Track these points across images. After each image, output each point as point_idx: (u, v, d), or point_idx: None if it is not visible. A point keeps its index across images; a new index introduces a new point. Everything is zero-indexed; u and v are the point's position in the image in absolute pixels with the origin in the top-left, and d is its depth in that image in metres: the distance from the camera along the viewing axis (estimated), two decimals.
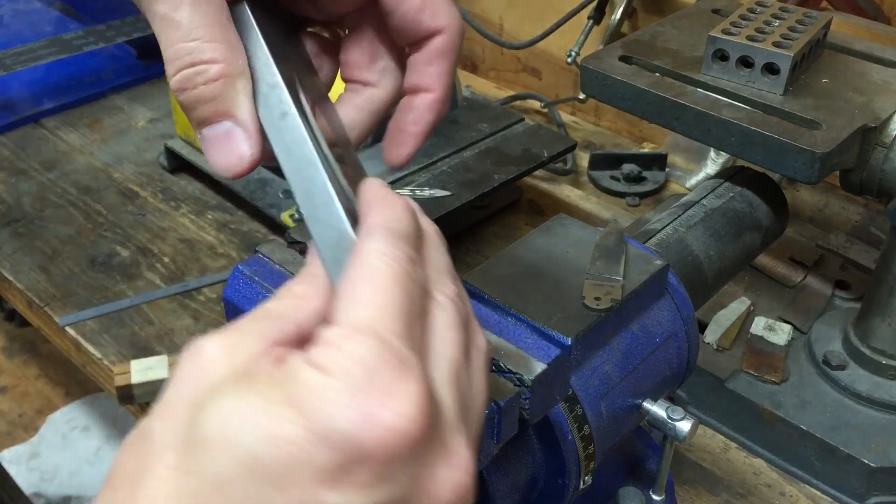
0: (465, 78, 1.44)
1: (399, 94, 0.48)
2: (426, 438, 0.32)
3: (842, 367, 0.82)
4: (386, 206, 0.37)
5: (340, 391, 0.31)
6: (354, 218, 0.38)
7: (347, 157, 0.43)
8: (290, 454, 0.30)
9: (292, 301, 0.37)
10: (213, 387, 0.33)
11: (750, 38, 0.74)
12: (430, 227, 0.40)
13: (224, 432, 0.31)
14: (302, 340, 0.35)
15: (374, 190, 0.39)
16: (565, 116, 1.34)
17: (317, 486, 0.30)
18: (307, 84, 0.43)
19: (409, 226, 0.37)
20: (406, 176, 0.94)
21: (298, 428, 0.30)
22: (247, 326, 0.35)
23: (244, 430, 0.31)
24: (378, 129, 1.07)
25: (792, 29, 0.76)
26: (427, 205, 0.89)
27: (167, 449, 0.32)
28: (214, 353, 0.34)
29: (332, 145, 0.41)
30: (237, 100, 0.40)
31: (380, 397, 0.31)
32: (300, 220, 1.00)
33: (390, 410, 0.31)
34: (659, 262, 0.61)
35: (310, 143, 0.39)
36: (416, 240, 0.38)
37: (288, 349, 0.35)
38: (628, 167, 1.17)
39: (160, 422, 0.33)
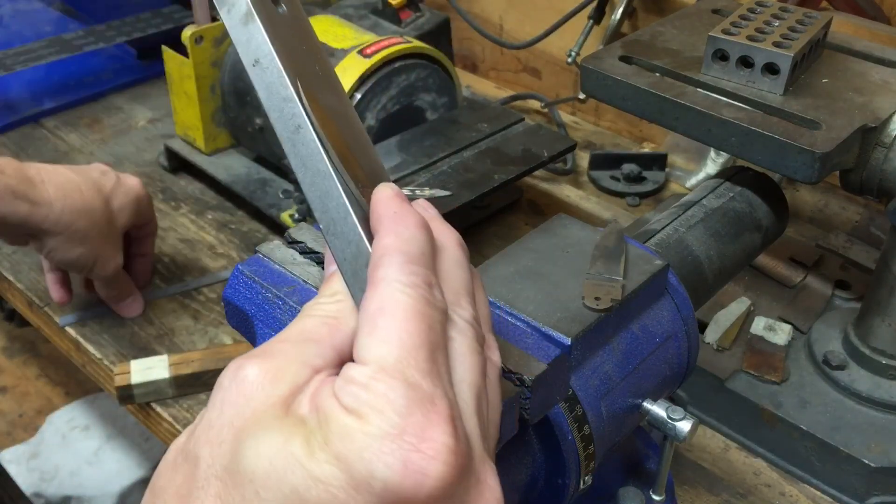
0: (465, 78, 1.44)
1: None
2: (461, 477, 0.33)
3: (842, 367, 0.82)
4: (399, 225, 0.37)
5: (376, 438, 0.32)
6: (369, 224, 0.38)
7: (364, 154, 0.43)
8: (333, 497, 0.31)
9: (328, 322, 0.37)
10: (256, 416, 0.34)
11: (750, 38, 0.74)
12: (448, 239, 0.40)
13: (269, 471, 0.32)
14: (340, 363, 0.36)
15: (385, 203, 0.38)
16: (565, 116, 1.34)
17: None
18: (320, 82, 0.43)
19: (423, 245, 0.37)
20: (406, 176, 0.95)
21: (340, 473, 0.32)
22: (289, 351, 0.36)
23: (289, 471, 0.32)
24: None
25: (792, 29, 0.76)
26: None
27: (214, 478, 0.33)
28: (257, 378, 0.35)
29: (345, 144, 0.41)
30: None
31: (414, 443, 0.32)
32: (300, 220, 1.00)
33: (425, 455, 0.32)
34: (659, 262, 0.61)
35: (324, 156, 0.39)
36: (432, 260, 0.37)
37: (327, 377, 0.35)
38: (628, 167, 1.17)
39: (206, 447, 0.34)
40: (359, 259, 0.38)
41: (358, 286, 0.38)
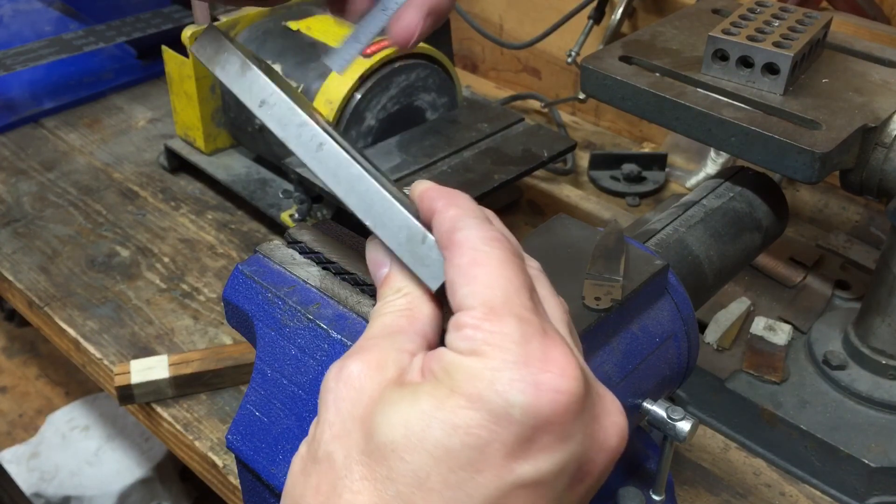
0: (465, 78, 1.44)
1: None
2: (588, 391, 0.34)
3: (842, 367, 0.82)
4: (456, 198, 0.40)
5: (502, 370, 0.33)
6: (416, 215, 0.40)
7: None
8: (477, 437, 0.32)
9: (404, 314, 0.39)
10: (374, 401, 0.35)
11: (750, 38, 0.74)
12: (489, 212, 0.42)
13: (406, 435, 0.33)
14: (428, 346, 0.38)
15: (433, 188, 0.41)
16: (565, 116, 1.34)
17: (509, 460, 0.32)
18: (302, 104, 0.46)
19: (483, 212, 0.40)
20: (406, 176, 0.94)
21: (476, 413, 0.32)
22: (381, 344, 0.37)
23: (427, 428, 0.33)
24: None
25: (792, 29, 0.76)
26: None
27: (354, 464, 0.34)
28: (362, 371, 0.36)
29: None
30: None
31: (539, 366, 0.33)
32: (300, 220, 1.00)
33: (554, 375, 0.33)
34: (659, 262, 0.61)
35: (353, 161, 0.41)
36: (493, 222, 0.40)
37: (423, 357, 0.37)
38: (628, 167, 1.17)
39: (334, 443, 0.35)
40: (413, 240, 0.40)
41: (421, 264, 0.39)
